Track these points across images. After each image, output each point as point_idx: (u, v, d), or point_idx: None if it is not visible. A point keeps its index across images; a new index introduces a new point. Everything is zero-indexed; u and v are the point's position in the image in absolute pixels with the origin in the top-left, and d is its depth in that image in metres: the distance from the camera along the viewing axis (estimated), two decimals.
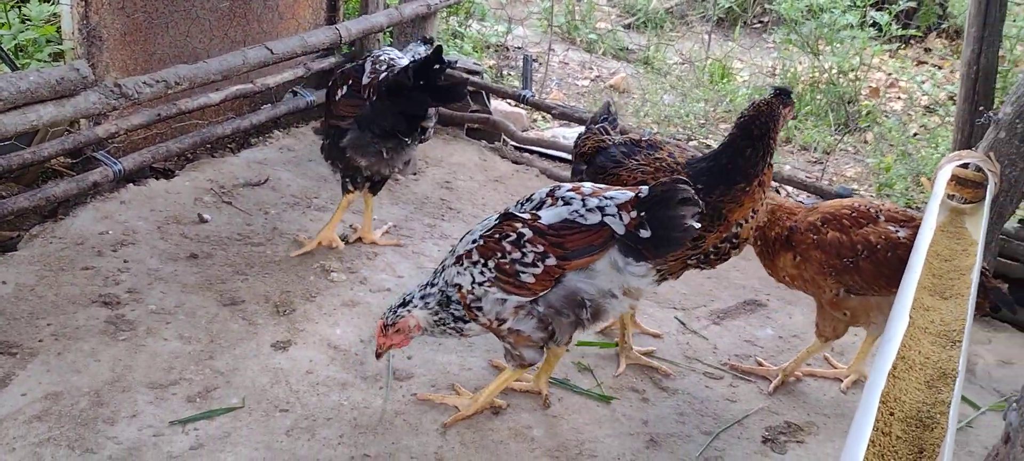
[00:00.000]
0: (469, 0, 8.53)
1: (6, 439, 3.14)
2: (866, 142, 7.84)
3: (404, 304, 3.37)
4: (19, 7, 5.05)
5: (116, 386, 3.48)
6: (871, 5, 8.91)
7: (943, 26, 9.88)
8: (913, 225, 3.76)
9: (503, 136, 6.63)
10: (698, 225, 3.11)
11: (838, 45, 8.31)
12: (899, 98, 8.75)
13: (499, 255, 3.17)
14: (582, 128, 4.26)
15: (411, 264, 4.71)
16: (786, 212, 3.88)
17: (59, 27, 4.82)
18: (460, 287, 3.26)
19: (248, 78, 5.36)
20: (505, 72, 8.59)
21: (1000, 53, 4.80)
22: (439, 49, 4.15)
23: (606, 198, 3.13)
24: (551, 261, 3.11)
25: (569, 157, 4.84)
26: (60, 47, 4.78)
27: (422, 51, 4.53)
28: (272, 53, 5.05)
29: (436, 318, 3.36)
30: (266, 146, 5.83)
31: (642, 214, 3.06)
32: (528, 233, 3.15)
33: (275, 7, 5.82)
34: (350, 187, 4.56)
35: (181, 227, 4.68)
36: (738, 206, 3.48)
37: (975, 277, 3.38)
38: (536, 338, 3.28)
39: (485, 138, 6.63)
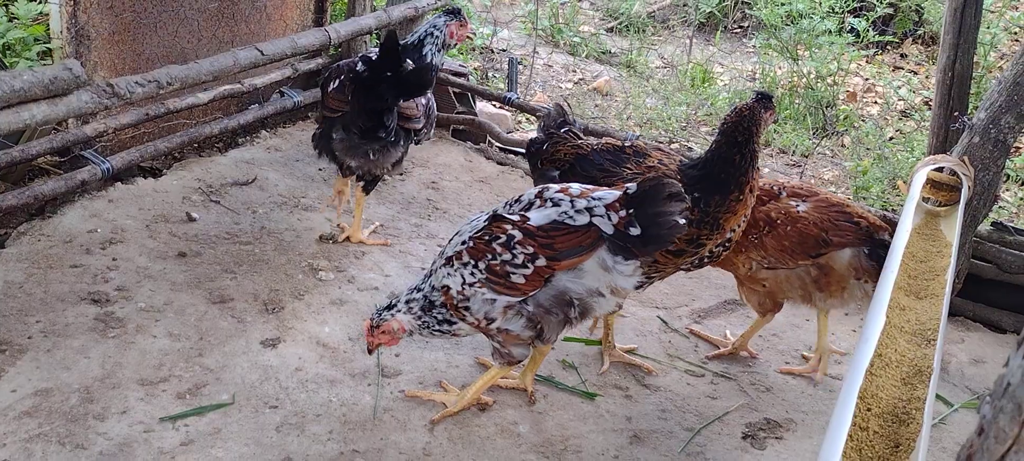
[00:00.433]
0: (454, 2, 8.58)
1: None
2: (844, 146, 7.97)
3: (390, 307, 3.45)
4: (6, 6, 5.06)
5: (106, 383, 3.52)
6: (849, 11, 9.06)
7: (919, 32, 10.04)
8: (814, 199, 3.97)
9: (488, 138, 6.70)
10: (685, 222, 3.18)
11: (817, 50, 8.44)
12: (876, 103, 8.90)
13: (489, 256, 3.23)
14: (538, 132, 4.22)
15: (398, 263, 4.76)
16: None
17: (47, 26, 4.83)
18: (448, 288, 3.32)
19: (237, 78, 5.39)
20: (490, 74, 8.65)
21: (974, 59, 4.90)
22: (393, 38, 4.14)
23: (594, 199, 3.20)
24: (541, 262, 3.17)
25: None
26: (47, 46, 4.79)
27: (441, 21, 4.57)
28: (263, 54, 5.09)
29: (420, 322, 3.44)
30: (253, 146, 5.86)
31: (630, 212, 3.13)
32: (518, 234, 3.21)
33: (263, 8, 5.85)
34: (343, 174, 4.71)
35: (169, 226, 4.71)
36: (732, 215, 3.58)
37: (949, 278, 3.49)
38: (525, 337, 3.35)
39: (470, 139, 6.69)
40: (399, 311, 3.43)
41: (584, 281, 3.20)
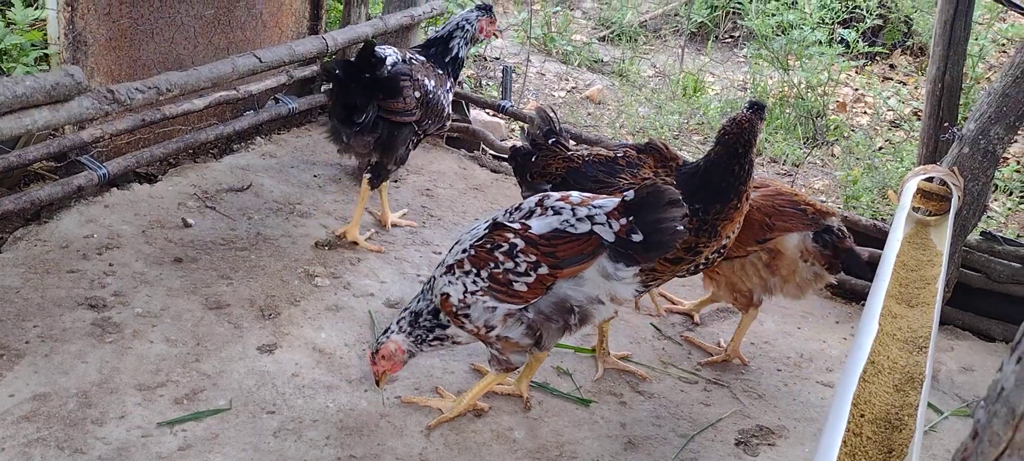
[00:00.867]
0: (450, 12, 8.62)
1: None
2: (834, 155, 8.04)
3: (386, 331, 3.51)
4: (2, 11, 5.06)
5: (104, 388, 3.53)
6: (839, 22, 9.14)
7: (908, 44, 10.13)
8: (763, 189, 4.08)
9: (482, 145, 6.73)
10: (684, 229, 3.21)
11: (807, 61, 8.52)
12: (865, 113, 8.97)
13: (492, 265, 3.26)
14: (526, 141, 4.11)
15: (393, 270, 4.79)
16: None
17: (44, 31, 4.84)
18: (447, 296, 3.35)
19: (233, 85, 5.41)
20: (484, 82, 8.69)
21: (964, 71, 4.96)
22: (369, 46, 4.41)
23: (595, 207, 3.23)
24: (543, 270, 3.20)
25: None
26: (44, 51, 4.80)
27: (473, 15, 4.97)
28: (261, 62, 5.11)
29: (412, 337, 3.47)
30: (248, 152, 5.88)
31: (631, 219, 3.17)
32: (520, 243, 3.24)
33: (259, 15, 5.87)
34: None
35: (165, 231, 4.72)
36: (729, 221, 3.63)
37: (940, 286, 3.54)
38: (523, 344, 3.38)
39: (464, 147, 6.73)
40: (393, 332, 3.48)
41: (585, 288, 3.24)
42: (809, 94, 8.43)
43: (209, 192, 5.21)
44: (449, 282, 3.35)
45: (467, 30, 4.96)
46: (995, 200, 7.04)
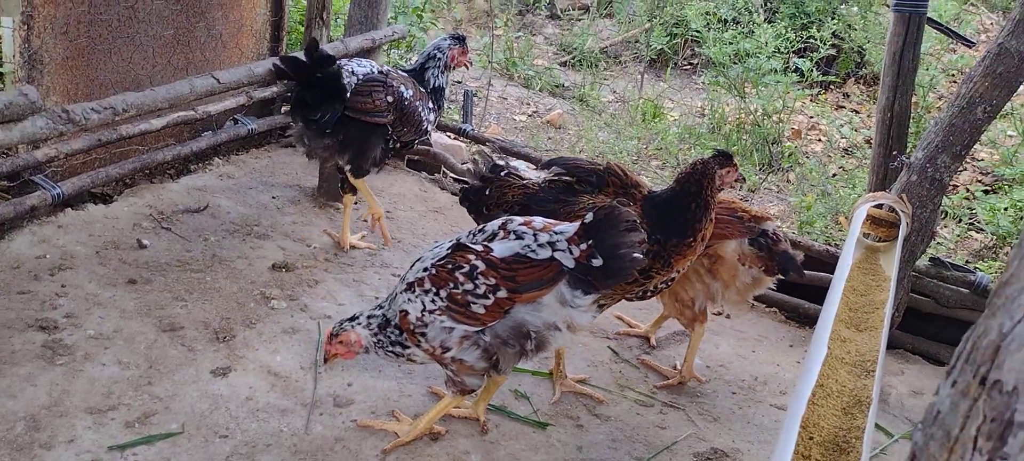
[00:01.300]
0: (411, 35, 8.65)
1: None
2: (789, 181, 8.19)
3: (353, 319, 3.52)
4: None
5: (53, 411, 3.47)
6: (794, 52, 9.34)
7: (861, 73, 10.37)
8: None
9: (443, 168, 6.75)
10: (641, 256, 3.25)
11: (763, 88, 8.68)
12: (819, 140, 9.15)
13: (451, 285, 3.27)
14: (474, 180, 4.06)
15: (352, 292, 4.77)
16: None
17: None
18: (406, 313, 3.36)
19: (190, 105, 5.37)
20: (446, 106, 8.72)
21: (913, 100, 5.09)
22: (314, 44, 4.56)
23: (556, 233, 3.26)
24: (502, 293, 3.22)
25: None
26: None
27: (445, 43, 5.10)
28: (218, 83, 5.08)
29: (375, 339, 3.48)
30: (206, 173, 5.83)
31: (590, 243, 3.19)
32: (481, 265, 3.26)
33: (218, 36, 5.85)
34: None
35: (120, 252, 4.67)
36: (683, 257, 3.70)
37: (888, 311, 3.62)
38: (479, 368, 3.38)
39: (425, 170, 6.74)
40: (359, 324, 3.48)
41: (542, 314, 3.25)
42: (765, 121, 8.59)
43: (165, 213, 5.16)
44: (408, 299, 3.35)
45: (439, 58, 5.04)
46: (945, 227, 7.21)
